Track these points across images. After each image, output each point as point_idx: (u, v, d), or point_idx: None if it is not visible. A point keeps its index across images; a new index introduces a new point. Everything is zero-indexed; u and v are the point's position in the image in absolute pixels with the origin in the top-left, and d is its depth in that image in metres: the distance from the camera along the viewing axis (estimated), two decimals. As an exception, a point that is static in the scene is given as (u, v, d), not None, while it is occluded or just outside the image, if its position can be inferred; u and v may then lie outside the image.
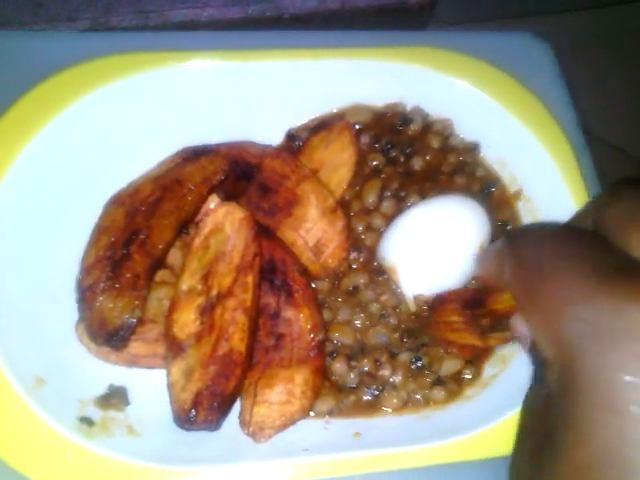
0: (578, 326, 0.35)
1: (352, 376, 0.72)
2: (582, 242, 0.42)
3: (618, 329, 0.33)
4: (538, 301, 0.40)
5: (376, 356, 0.73)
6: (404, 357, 0.74)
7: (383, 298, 0.76)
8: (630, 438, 0.32)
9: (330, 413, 0.71)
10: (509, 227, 0.82)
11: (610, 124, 1.83)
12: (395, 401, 0.71)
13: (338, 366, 0.73)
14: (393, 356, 0.74)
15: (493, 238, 0.79)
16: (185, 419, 0.64)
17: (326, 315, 0.76)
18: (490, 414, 0.69)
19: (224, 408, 0.66)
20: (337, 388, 0.73)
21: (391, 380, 0.73)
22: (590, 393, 0.34)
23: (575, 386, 0.35)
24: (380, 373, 0.73)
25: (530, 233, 0.48)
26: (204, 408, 0.64)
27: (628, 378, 0.32)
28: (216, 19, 1.56)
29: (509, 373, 0.75)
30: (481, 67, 0.84)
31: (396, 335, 0.75)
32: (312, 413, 0.71)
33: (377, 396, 0.72)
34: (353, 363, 0.73)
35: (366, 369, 0.73)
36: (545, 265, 0.41)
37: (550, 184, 0.80)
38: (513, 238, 0.48)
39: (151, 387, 0.71)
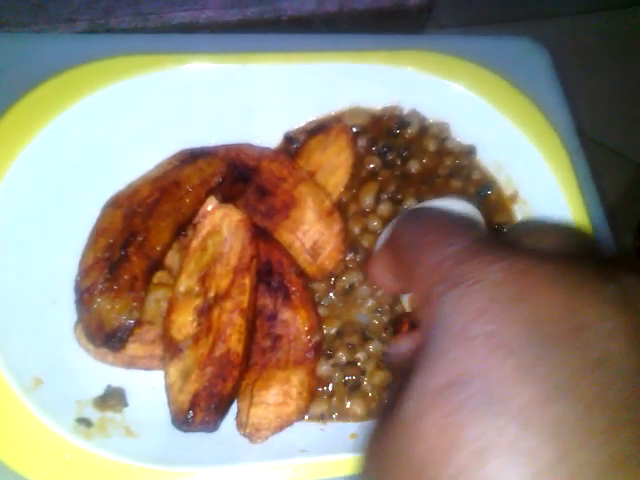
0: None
1: (337, 375, 0.73)
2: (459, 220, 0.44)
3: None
4: (413, 279, 0.39)
5: (348, 341, 0.74)
6: (375, 346, 0.74)
7: (379, 294, 0.76)
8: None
9: (322, 418, 0.71)
10: (505, 230, 0.83)
11: (606, 127, 1.84)
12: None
13: (324, 369, 0.73)
14: (365, 340, 0.74)
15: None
16: (183, 420, 0.65)
17: (322, 314, 0.76)
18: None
19: (221, 409, 0.66)
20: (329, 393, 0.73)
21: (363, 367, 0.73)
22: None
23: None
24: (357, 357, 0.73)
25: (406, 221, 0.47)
26: (202, 409, 0.65)
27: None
28: (214, 21, 1.57)
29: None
30: (477, 71, 0.85)
31: (376, 322, 0.76)
32: (307, 417, 0.71)
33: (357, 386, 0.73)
34: (332, 361, 0.74)
35: (344, 359, 0.74)
36: (420, 240, 0.40)
37: (545, 187, 0.81)
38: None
39: (149, 388, 0.72)
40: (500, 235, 0.82)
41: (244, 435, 0.68)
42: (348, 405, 0.71)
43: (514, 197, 0.84)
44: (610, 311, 0.30)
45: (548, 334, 0.29)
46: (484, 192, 0.84)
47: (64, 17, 1.47)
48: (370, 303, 0.76)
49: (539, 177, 0.82)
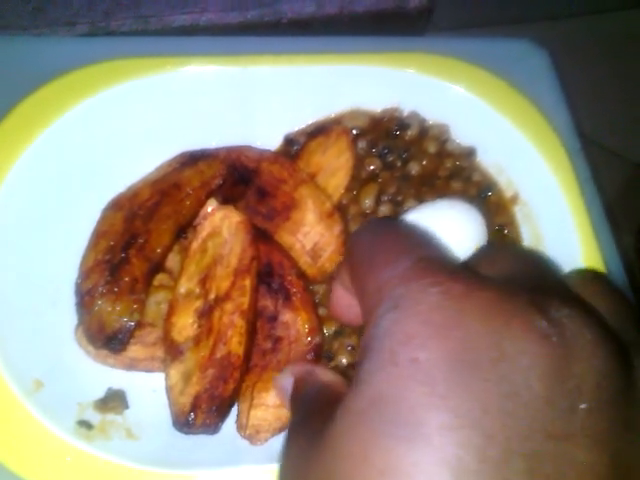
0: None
1: None
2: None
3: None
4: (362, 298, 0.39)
5: (348, 342, 0.74)
6: None
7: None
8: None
9: None
10: (506, 231, 0.83)
11: (606, 128, 1.84)
12: None
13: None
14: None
15: (490, 242, 0.80)
16: (184, 422, 0.65)
17: (322, 315, 0.76)
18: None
19: (223, 411, 0.66)
20: None
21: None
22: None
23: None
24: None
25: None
26: (203, 411, 0.65)
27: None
28: (215, 24, 1.57)
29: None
30: (477, 73, 0.85)
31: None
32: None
33: None
34: (332, 363, 0.74)
35: (344, 362, 0.73)
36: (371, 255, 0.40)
37: (546, 188, 0.81)
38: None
39: (150, 391, 0.72)
40: (501, 238, 0.83)
41: (244, 437, 0.68)
42: None
43: (515, 198, 0.84)
44: (532, 345, 0.30)
45: (469, 363, 0.29)
46: (485, 194, 0.84)
47: (64, 20, 1.48)
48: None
49: (540, 179, 0.82)
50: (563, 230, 0.79)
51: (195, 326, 0.70)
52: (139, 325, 0.71)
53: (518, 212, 0.84)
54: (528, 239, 0.83)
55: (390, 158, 0.84)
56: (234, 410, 0.69)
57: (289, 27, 1.62)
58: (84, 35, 1.41)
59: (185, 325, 0.70)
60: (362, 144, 0.84)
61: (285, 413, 0.68)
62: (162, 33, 1.48)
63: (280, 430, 0.68)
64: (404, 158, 0.84)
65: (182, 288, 0.72)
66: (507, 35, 0.99)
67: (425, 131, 0.85)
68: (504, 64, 0.89)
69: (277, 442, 0.68)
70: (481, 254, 0.44)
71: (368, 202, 0.81)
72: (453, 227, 0.77)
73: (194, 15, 1.56)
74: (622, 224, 1.51)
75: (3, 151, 0.72)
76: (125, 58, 0.79)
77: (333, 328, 0.76)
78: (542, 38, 1.00)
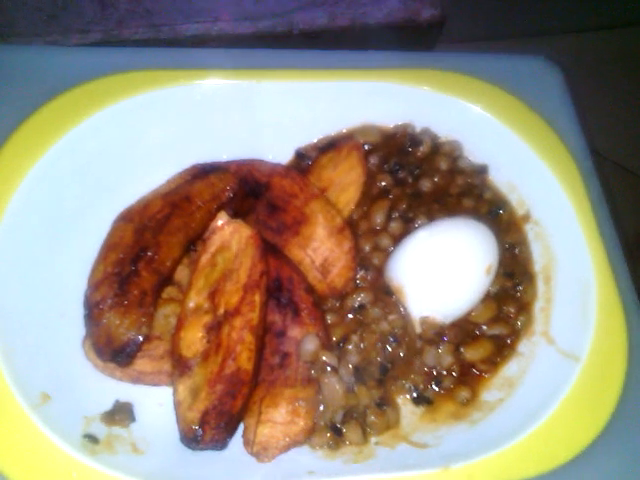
0: None
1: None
2: None
3: None
4: None
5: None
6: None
7: (391, 318, 0.76)
8: None
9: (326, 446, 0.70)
10: (517, 250, 0.82)
11: (619, 145, 1.83)
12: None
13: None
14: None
15: (501, 260, 0.79)
16: (192, 438, 0.64)
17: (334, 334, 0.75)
18: (495, 440, 0.68)
19: (231, 427, 0.66)
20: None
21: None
22: None
23: None
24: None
25: None
26: (211, 427, 0.64)
27: None
28: (227, 33, 1.58)
29: (517, 397, 0.74)
30: (491, 90, 0.85)
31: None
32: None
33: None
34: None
35: (350, 367, 0.73)
36: None
37: (558, 208, 0.80)
38: None
39: (156, 404, 0.72)
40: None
41: (251, 453, 0.67)
42: (344, 430, 0.70)
43: (526, 217, 0.84)
44: None
45: None
46: (496, 212, 0.84)
47: (77, 28, 1.48)
48: (383, 326, 0.76)
49: (552, 198, 0.82)
50: (575, 250, 0.78)
51: (204, 341, 0.70)
52: (147, 338, 0.70)
53: (529, 231, 0.83)
54: (539, 258, 0.82)
55: (402, 174, 0.84)
56: (241, 426, 0.69)
57: (301, 38, 1.62)
58: (97, 43, 1.42)
59: (194, 340, 0.70)
60: (374, 160, 0.84)
61: (294, 430, 0.68)
62: (174, 42, 1.49)
63: (288, 448, 0.67)
64: (416, 175, 0.84)
65: (191, 302, 0.72)
66: (518, 49, 0.98)
67: (437, 148, 0.85)
68: (517, 81, 0.89)
69: (285, 460, 0.67)
70: None
71: (379, 218, 0.81)
72: (464, 246, 0.77)
73: (206, 24, 1.57)
74: (635, 243, 1.50)
75: (16, 162, 0.72)
76: (138, 71, 0.79)
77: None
78: (553, 52, 1.00)
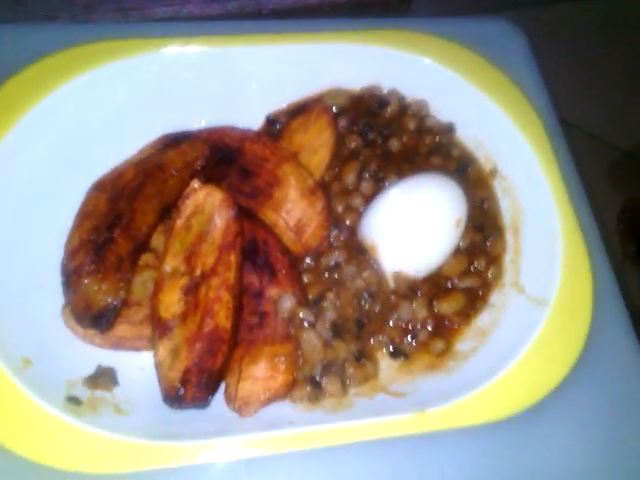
0: None
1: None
2: None
3: None
4: None
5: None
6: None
7: (365, 274, 0.77)
8: None
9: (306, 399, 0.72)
10: (485, 205, 0.84)
11: (587, 113, 1.87)
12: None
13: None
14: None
15: (471, 215, 0.81)
16: (174, 397, 0.65)
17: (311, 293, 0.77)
18: (470, 384, 0.70)
19: (212, 385, 0.67)
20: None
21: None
22: None
23: None
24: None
25: None
26: (193, 385, 0.65)
27: None
28: (196, 15, 1.58)
29: (490, 345, 0.76)
30: (456, 50, 0.86)
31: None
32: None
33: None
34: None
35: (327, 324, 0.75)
36: None
37: (524, 162, 0.82)
38: None
39: (138, 369, 0.72)
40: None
41: (233, 409, 0.68)
42: (323, 383, 0.71)
43: (493, 172, 0.86)
44: None
45: None
46: (464, 168, 0.86)
47: (44, 13, 1.47)
48: (357, 283, 0.77)
49: (518, 153, 0.84)
50: (541, 201, 0.80)
51: (182, 303, 0.71)
52: (126, 304, 0.71)
53: (497, 185, 0.85)
54: (507, 212, 0.84)
55: (371, 135, 0.85)
56: (223, 385, 0.70)
57: (270, 18, 1.62)
58: (64, 27, 1.41)
59: (172, 302, 0.71)
60: (343, 122, 0.86)
61: (273, 385, 0.69)
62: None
63: (269, 401, 0.69)
64: (384, 135, 0.85)
65: (167, 266, 0.73)
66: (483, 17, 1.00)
67: (405, 108, 0.87)
68: (481, 42, 0.90)
69: (266, 413, 0.68)
70: None
71: (350, 179, 0.82)
72: (434, 202, 0.79)
73: (175, 7, 1.57)
74: (603, 204, 1.53)
75: (-16, 134, 0.72)
76: (105, 40, 0.79)
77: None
78: (524, 24, 1.02)
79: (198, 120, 0.84)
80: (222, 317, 0.69)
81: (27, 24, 0.99)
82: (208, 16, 1.54)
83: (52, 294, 0.72)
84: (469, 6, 1.88)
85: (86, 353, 0.72)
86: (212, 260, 0.72)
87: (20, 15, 1.44)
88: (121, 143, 0.79)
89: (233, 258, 0.71)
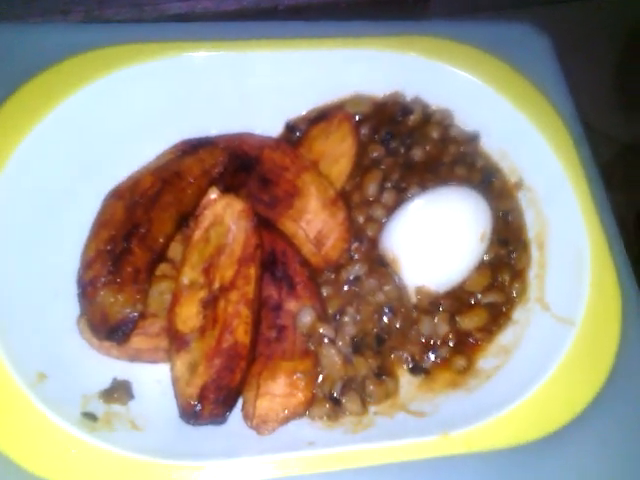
0: None
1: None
2: None
3: None
4: None
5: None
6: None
7: (386, 288, 0.75)
8: None
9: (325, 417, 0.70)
10: (510, 217, 0.82)
11: (606, 115, 1.83)
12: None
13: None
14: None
15: (495, 228, 0.79)
16: (191, 414, 0.64)
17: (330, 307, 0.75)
18: (493, 406, 0.69)
19: (230, 401, 0.66)
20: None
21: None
22: None
23: None
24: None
25: None
26: (210, 402, 0.64)
27: None
28: (211, 11, 1.56)
29: (513, 363, 0.74)
30: (481, 57, 0.84)
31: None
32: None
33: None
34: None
35: (347, 338, 0.73)
36: None
37: (550, 173, 0.80)
38: None
39: (154, 381, 0.71)
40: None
41: (251, 427, 0.67)
42: (343, 400, 0.70)
43: (519, 184, 0.84)
44: None
45: None
46: (488, 179, 0.84)
47: (58, 8, 1.46)
48: (379, 297, 0.76)
49: (544, 164, 0.81)
50: (568, 215, 0.78)
51: (200, 316, 0.69)
52: (142, 316, 0.70)
53: (522, 197, 0.83)
54: (532, 225, 0.82)
55: (393, 144, 0.83)
56: (240, 400, 0.69)
57: (286, 13, 1.60)
58: (79, 23, 1.39)
59: (190, 315, 0.69)
60: (365, 130, 0.83)
61: (292, 402, 0.68)
62: (157, 21, 1.46)
63: (287, 420, 0.67)
64: (407, 144, 0.83)
65: (185, 278, 0.71)
66: (506, 20, 0.98)
67: (428, 116, 0.85)
68: (506, 47, 0.88)
69: (285, 431, 0.67)
70: None
71: (372, 189, 0.80)
72: (457, 214, 0.77)
73: (190, 2, 1.55)
74: (619, 201, 1.51)
75: (3, 140, 0.70)
76: (124, 44, 0.77)
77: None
78: (543, 23, 0.99)
79: (216, 126, 0.82)
80: (241, 332, 0.67)
81: (43, 24, 0.97)
82: (223, 12, 1.52)
83: (67, 304, 0.71)
84: (487, 4, 1.86)
85: (102, 365, 0.71)
86: (231, 273, 0.70)
87: (34, 9, 1.43)
88: (139, 149, 0.78)
89: (252, 271, 0.70)
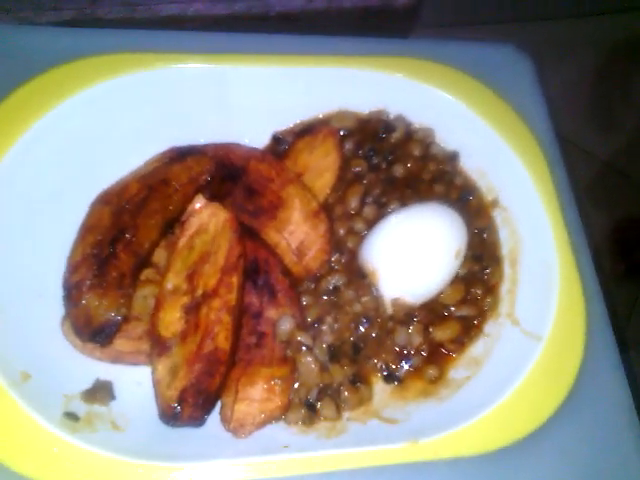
0: None
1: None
2: None
3: None
4: None
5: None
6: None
7: (364, 299, 0.78)
8: None
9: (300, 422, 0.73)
10: (485, 235, 0.85)
11: (588, 133, 1.88)
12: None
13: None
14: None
15: (470, 244, 0.82)
16: (171, 415, 0.66)
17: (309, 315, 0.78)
18: (462, 415, 0.72)
19: (209, 405, 0.68)
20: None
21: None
22: None
23: None
24: None
25: None
26: (189, 405, 0.66)
27: None
28: (202, 14, 1.56)
29: (483, 375, 0.77)
30: (462, 79, 0.87)
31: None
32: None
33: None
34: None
35: (324, 347, 0.75)
36: None
37: (524, 194, 0.84)
38: None
39: (135, 383, 0.73)
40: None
41: (229, 430, 0.69)
42: (318, 406, 0.72)
43: (495, 203, 0.87)
44: None
45: None
46: (466, 197, 0.87)
47: (49, 5, 1.45)
48: (356, 308, 0.78)
49: (518, 185, 0.85)
50: (540, 235, 0.82)
51: (182, 321, 0.71)
52: (126, 319, 0.72)
53: (497, 216, 0.87)
54: (506, 242, 0.85)
55: (376, 160, 0.86)
56: (219, 404, 0.71)
57: (277, 20, 1.61)
58: (69, 21, 1.39)
59: (172, 320, 0.71)
60: (349, 145, 0.86)
61: (269, 407, 0.70)
62: (149, 22, 1.47)
63: (264, 424, 0.70)
64: (389, 160, 0.86)
65: (169, 284, 0.73)
66: (491, 34, 1.01)
67: (410, 134, 0.88)
68: (488, 69, 0.91)
69: (261, 435, 0.70)
70: None
71: (353, 203, 0.83)
72: (435, 231, 0.80)
73: (182, 5, 1.55)
74: (591, 220, 1.56)
75: (-7, 144, 0.72)
76: (115, 53, 0.79)
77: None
78: (525, 39, 1.03)
79: (204, 135, 0.84)
80: (221, 339, 0.70)
81: (33, 27, 0.98)
82: (215, 16, 1.53)
83: (52, 306, 0.72)
84: (475, 18, 1.89)
85: (84, 366, 0.72)
86: (214, 281, 0.72)
87: (25, 5, 1.42)
88: (127, 156, 0.79)
89: (235, 280, 0.72)
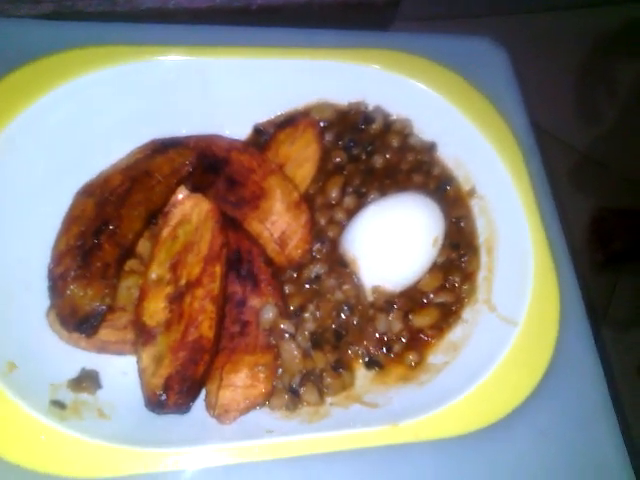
0: None
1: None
2: None
3: None
4: None
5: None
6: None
7: (345, 287, 0.80)
8: None
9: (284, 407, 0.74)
10: (462, 223, 0.88)
11: (559, 119, 1.91)
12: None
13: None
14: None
15: (447, 233, 0.84)
16: (156, 403, 0.67)
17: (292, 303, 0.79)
18: (441, 398, 0.74)
19: (193, 392, 0.69)
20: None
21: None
22: None
23: None
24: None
25: None
26: (174, 392, 0.67)
27: None
28: (183, 7, 1.56)
29: (461, 360, 0.80)
30: (440, 70, 0.89)
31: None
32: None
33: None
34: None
35: (306, 334, 0.77)
36: None
37: (500, 184, 0.86)
38: None
39: (121, 373, 0.74)
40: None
41: (213, 416, 0.71)
42: (301, 391, 0.74)
43: (471, 192, 0.89)
44: None
45: None
46: (444, 187, 0.89)
47: (29, -4, 1.44)
48: (338, 296, 0.80)
49: (494, 174, 0.87)
50: (515, 223, 0.84)
51: (166, 311, 0.72)
52: (110, 309, 0.73)
53: (474, 205, 0.89)
54: (483, 231, 0.87)
55: (355, 151, 0.87)
56: (203, 391, 0.72)
57: (258, 13, 1.61)
58: (49, 14, 1.38)
59: (156, 310, 0.73)
60: (329, 136, 0.88)
61: (253, 393, 0.72)
62: (130, 15, 1.46)
63: (248, 410, 0.71)
64: (369, 151, 0.88)
65: (153, 274, 0.75)
66: (470, 29, 1.03)
67: (389, 125, 0.89)
68: (465, 61, 0.93)
69: (245, 421, 0.71)
70: None
71: (334, 193, 0.85)
72: (413, 221, 0.82)
73: (163, -2, 1.54)
74: (570, 210, 1.59)
75: (-26, 137, 0.72)
76: (96, 46, 0.79)
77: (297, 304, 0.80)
78: (503, 32, 1.05)
79: (186, 127, 0.85)
80: (205, 327, 0.71)
81: (17, 20, 0.98)
82: (195, 9, 1.53)
83: (37, 296, 0.73)
84: (455, 11, 1.91)
85: (70, 355, 0.73)
86: (197, 271, 0.73)
87: (4, -4, 1.41)
88: (110, 148, 0.80)
89: (218, 269, 0.73)
